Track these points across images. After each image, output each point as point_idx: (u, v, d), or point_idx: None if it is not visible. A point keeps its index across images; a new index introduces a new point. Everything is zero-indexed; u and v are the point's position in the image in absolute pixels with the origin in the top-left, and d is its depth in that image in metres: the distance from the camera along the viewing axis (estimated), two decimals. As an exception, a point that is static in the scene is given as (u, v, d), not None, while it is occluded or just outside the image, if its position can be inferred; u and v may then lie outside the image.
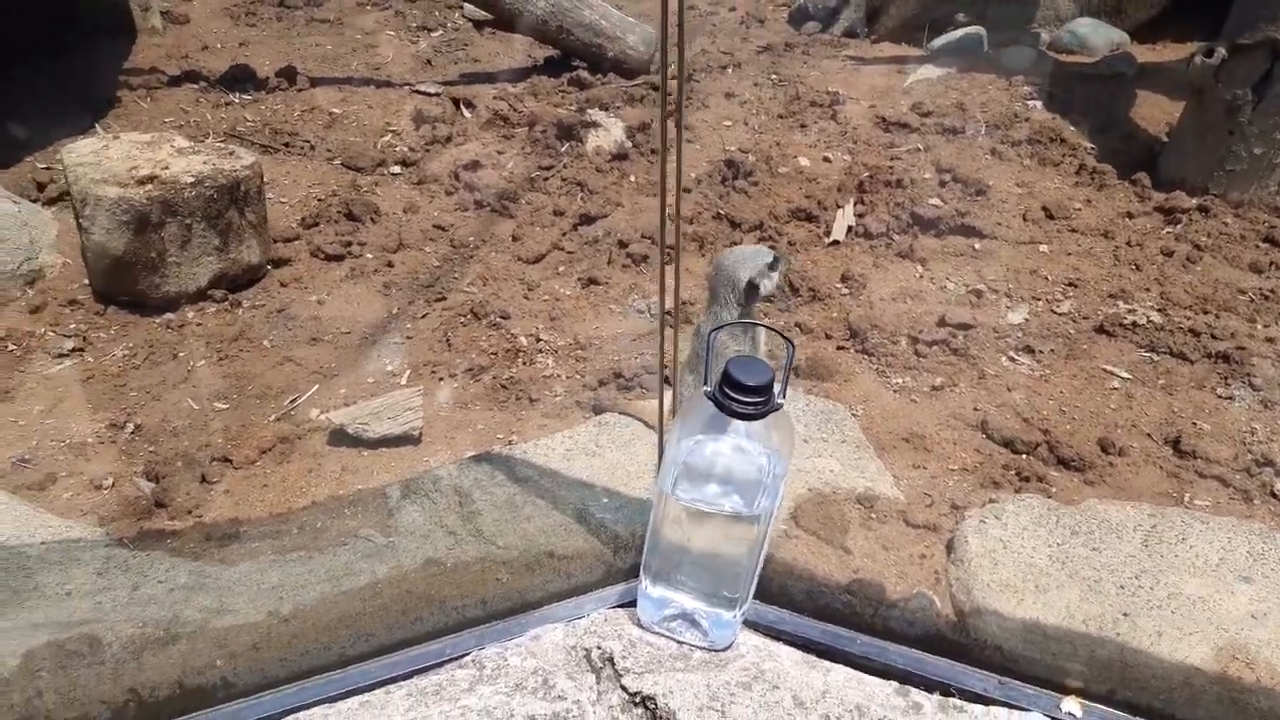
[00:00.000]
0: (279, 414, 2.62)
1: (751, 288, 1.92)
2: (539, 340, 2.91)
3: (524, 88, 4.71)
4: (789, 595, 1.75)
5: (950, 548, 1.91)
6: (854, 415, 2.46)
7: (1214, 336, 2.85)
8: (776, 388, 1.43)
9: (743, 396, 1.41)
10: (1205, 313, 2.99)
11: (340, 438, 2.43)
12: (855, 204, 3.60)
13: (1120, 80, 4.76)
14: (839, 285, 3.19)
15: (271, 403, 2.68)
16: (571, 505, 1.95)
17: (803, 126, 4.26)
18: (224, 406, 2.63)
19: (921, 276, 3.24)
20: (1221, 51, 3.53)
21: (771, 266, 1.95)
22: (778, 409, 1.44)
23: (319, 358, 2.86)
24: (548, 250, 3.40)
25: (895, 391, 2.70)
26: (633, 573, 1.78)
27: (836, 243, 3.43)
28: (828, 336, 2.94)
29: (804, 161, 3.90)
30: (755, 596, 1.64)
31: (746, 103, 4.54)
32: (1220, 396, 2.65)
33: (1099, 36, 5.22)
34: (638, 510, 1.92)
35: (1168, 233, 3.48)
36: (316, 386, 2.73)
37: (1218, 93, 3.57)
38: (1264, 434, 2.48)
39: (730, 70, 4.95)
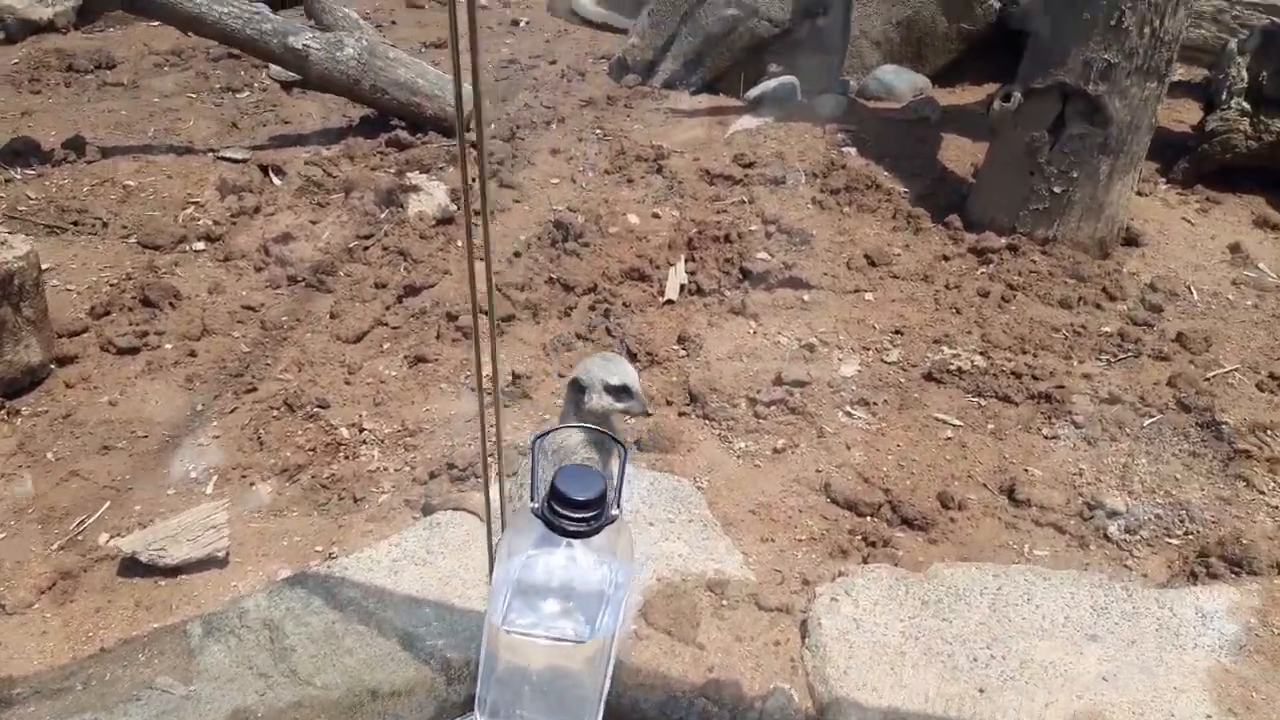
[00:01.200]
0: (62, 541, 2.30)
1: (616, 393, 1.77)
2: (362, 430, 2.71)
3: (338, 150, 4.47)
4: (640, 712, 1.64)
5: (804, 631, 1.85)
6: (699, 489, 2.39)
7: (1034, 377, 2.95)
8: (610, 496, 1.32)
9: (573, 513, 1.28)
10: (1024, 353, 3.10)
11: (133, 567, 2.16)
12: (686, 261, 3.57)
13: (925, 124, 4.98)
14: (676, 347, 3.13)
15: (55, 527, 2.36)
16: (398, 630, 1.77)
17: (630, 182, 4.22)
18: (-5, 537, 2.30)
19: (755, 333, 3.23)
20: (1018, 96, 3.72)
21: (624, 392, 1.79)
22: (613, 521, 1.32)
23: (111, 469, 2.55)
24: (370, 327, 3.20)
25: (739, 457, 2.65)
26: (468, 705, 1.62)
27: (671, 302, 3.38)
28: (668, 403, 2.87)
29: (633, 219, 3.86)
30: (604, 717, 1.51)
31: (573, 159, 4.47)
32: (1046, 437, 2.73)
33: (903, 82, 5.46)
34: (474, 626, 1.76)
35: (982, 273, 3.61)
36: (108, 504, 2.43)
37: (1017, 135, 3.75)
38: (1090, 474, 2.56)
39: (554, 125, 4.88)
